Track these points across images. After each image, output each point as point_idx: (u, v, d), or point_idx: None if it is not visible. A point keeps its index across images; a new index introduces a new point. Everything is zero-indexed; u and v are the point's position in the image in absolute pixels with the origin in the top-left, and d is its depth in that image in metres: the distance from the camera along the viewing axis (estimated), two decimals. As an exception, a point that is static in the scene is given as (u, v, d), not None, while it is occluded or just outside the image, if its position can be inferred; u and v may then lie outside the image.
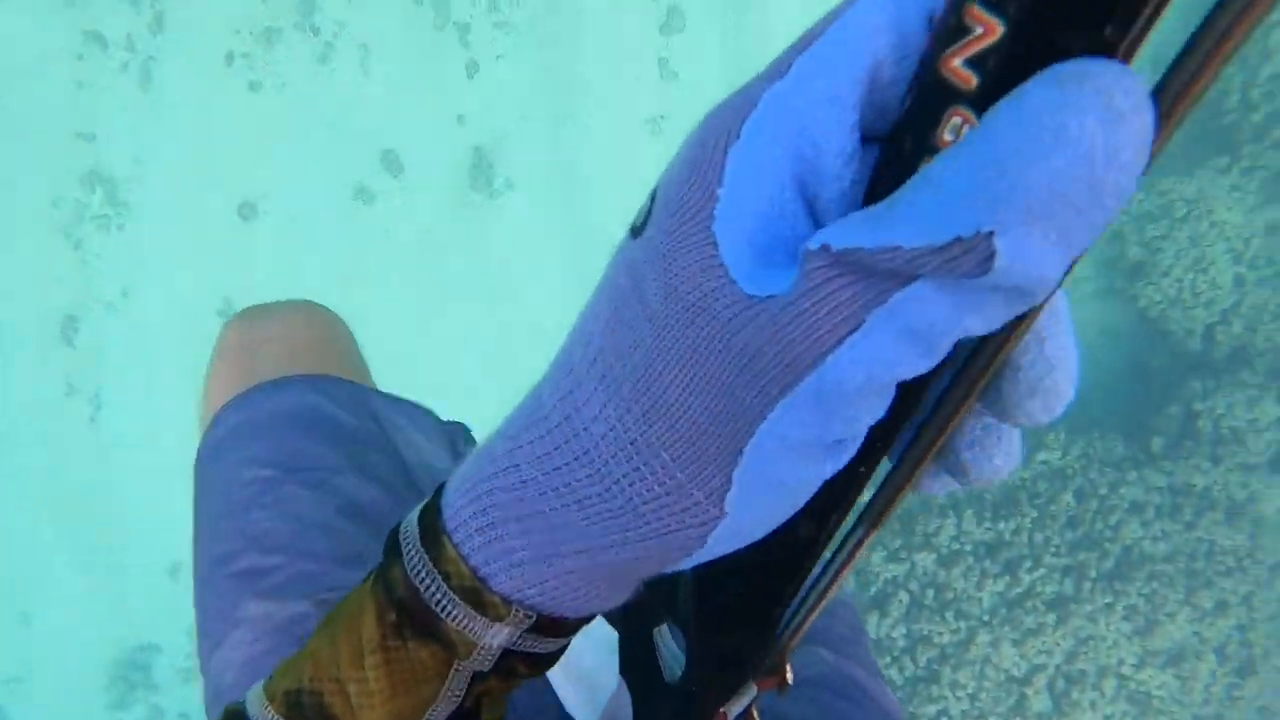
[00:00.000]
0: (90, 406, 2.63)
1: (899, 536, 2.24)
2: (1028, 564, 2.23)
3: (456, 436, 0.87)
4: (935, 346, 0.20)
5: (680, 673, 0.37)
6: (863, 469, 0.25)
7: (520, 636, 0.29)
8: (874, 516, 0.27)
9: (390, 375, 2.61)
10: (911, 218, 0.18)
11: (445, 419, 0.88)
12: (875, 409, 0.22)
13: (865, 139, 0.21)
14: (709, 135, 0.22)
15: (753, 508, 0.24)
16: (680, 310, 0.22)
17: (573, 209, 2.54)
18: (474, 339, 2.60)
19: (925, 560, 2.21)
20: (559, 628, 0.29)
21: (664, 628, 0.39)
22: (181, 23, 2.39)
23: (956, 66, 0.18)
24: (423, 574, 0.28)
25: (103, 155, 2.48)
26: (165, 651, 2.82)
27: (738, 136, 0.21)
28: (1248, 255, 2.50)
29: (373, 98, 2.46)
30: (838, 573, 0.29)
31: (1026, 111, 0.16)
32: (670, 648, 0.38)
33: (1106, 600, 2.25)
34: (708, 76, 2.51)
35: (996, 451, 0.25)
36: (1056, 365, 0.23)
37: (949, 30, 0.18)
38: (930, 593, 2.22)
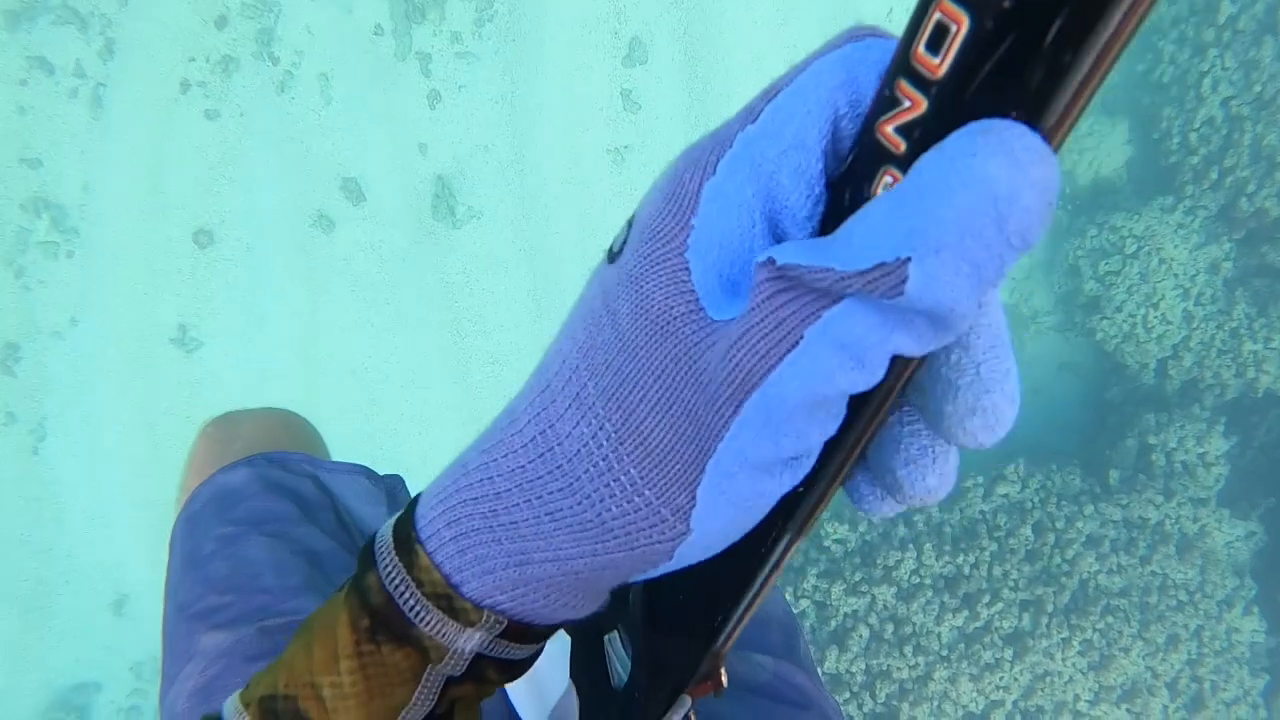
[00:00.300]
0: (33, 437, 2.55)
1: (859, 570, 2.24)
2: (986, 598, 2.24)
3: (396, 487, 0.91)
4: (868, 361, 0.21)
5: (626, 678, 0.38)
6: (801, 488, 0.26)
7: (492, 642, 0.30)
8: (799, 524, 0.28)
9: (350, 404, 2.57)
10: (844, 245, 0.20)
11: (384, 473, 0.92)
12: (824, 424, 0.23)
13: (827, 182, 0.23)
14: (686, 170, 0.24)
15: (716, 522, 0.25)
16: (650, 331, 0.24)
17: (535, 238, 2.53)
18: (434, 368, 2.57)
19: (885, 594, 2.21)
20: (529, 634, 0.30)
21: (614, 635, 0.40)
22: (133, 51, 2.34)
23: (889, 132, 0.21)
24: (397, 580, 0.29)
25: (49, 181, 2.42)
26: (105, 689, 2.73)
27: (713, 173, 0.23)
28: (1194, 291, 2.56)
29: (333, 126, 2.43)
30: (765, 580, 0.30)
31: (943, 158, 0.19)
32: (619, 654, 0.39)
33: (1063, 635, 2.27)
34: (670, 108, 2.52)
35: (930, 471, 0.26)
36: (993, 386, 0.23)
37: (883, 101, 0.21)
38: (890, 627, 2.22)
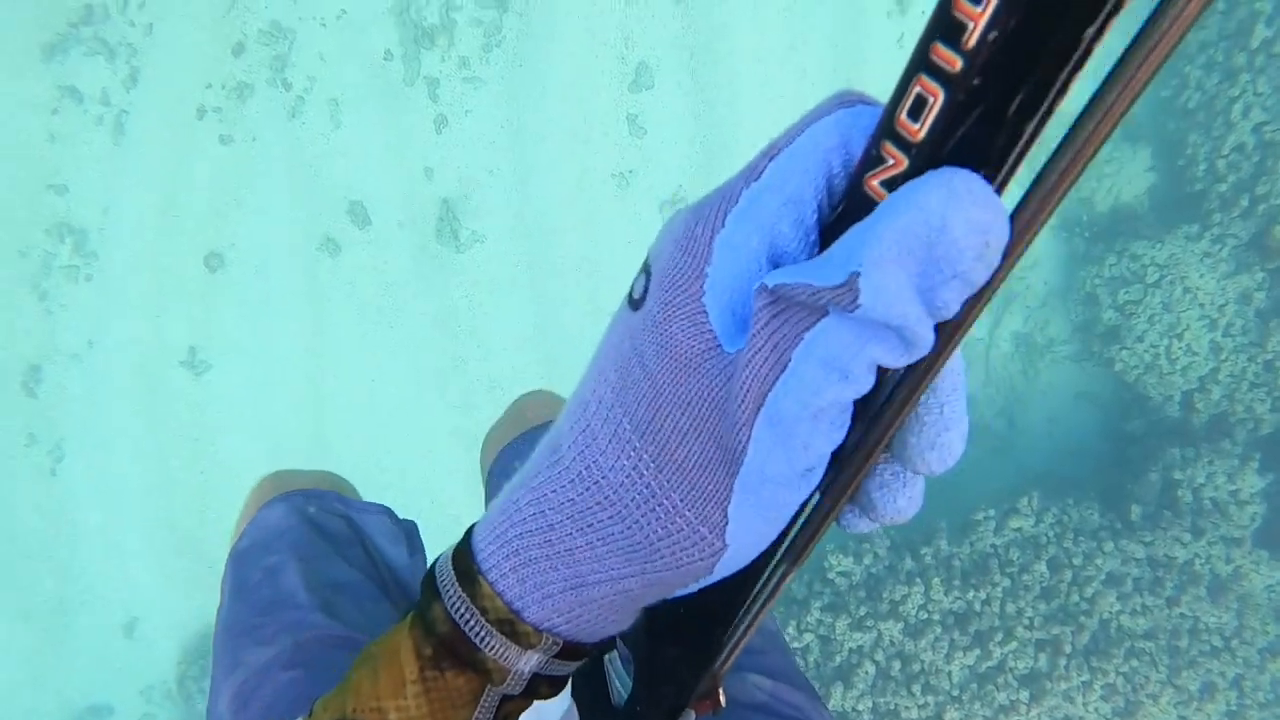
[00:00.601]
0: (51, 459, 2.59)
1: (864, 604, 2.15)
2: (999, 636, 2.13)
3: (412, 532, 1.00)
4: (851, 373, 0.24)
5: (626, 697, 0.41)
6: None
7: (548, 661, 0.33)
8: (796, 553, 0.31)
9: (354, 427, 2.57)
10: (822, 266, 0.24)
11: (401, 517, 1.02)
12: (829, 434, 0.26)
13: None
14: (697, 224, 0.27)
15: (748, 535, 0.28)
16: (675, 369, 0.27)
17: (538, 262, 2.52)
18: (437, 391, 2.56)
19: (892, 630, 2.11)
20: (579, 652, 0.34)
21: (614, 655, 0.43)
22: (156, 78, 2.42)
23: (875, 185, 0.24)
24: (462, 609, 0.32)
25: (73, 207, 2.49)
26: (118, 713, 2.73)
27: (723, 225, 0.27)
28: (1222, 322, 2.45)
29: (342, 151, 2.47)
30: (763, 605, 0.33)
31: (903, 192, 0.22)
32: (619, 673, 0.42)
33: (1084, 678, 2.13)
34: (676, 133, 2.52)
35: (901, 494, 0.29)
36: (953, 425, 0.27)
37: (870, 159, 0.24)
38: (897, 664, 2.11)
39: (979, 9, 0.21)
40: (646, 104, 2.51)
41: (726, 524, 0.28)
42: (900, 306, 0.22)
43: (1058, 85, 0.21)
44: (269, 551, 0.86)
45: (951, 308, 0.23)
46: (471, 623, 0.32)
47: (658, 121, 2.51)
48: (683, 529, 0.28)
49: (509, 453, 0.99)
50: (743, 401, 0.25)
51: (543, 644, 0.32)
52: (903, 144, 0.23)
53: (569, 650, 0.33)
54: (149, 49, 2.41)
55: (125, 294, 2.52)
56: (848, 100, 0.26)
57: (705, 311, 0.27)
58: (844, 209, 0.26)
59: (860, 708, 2.08)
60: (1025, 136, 0.22)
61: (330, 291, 2.51)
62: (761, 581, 0.33)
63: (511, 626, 0.32)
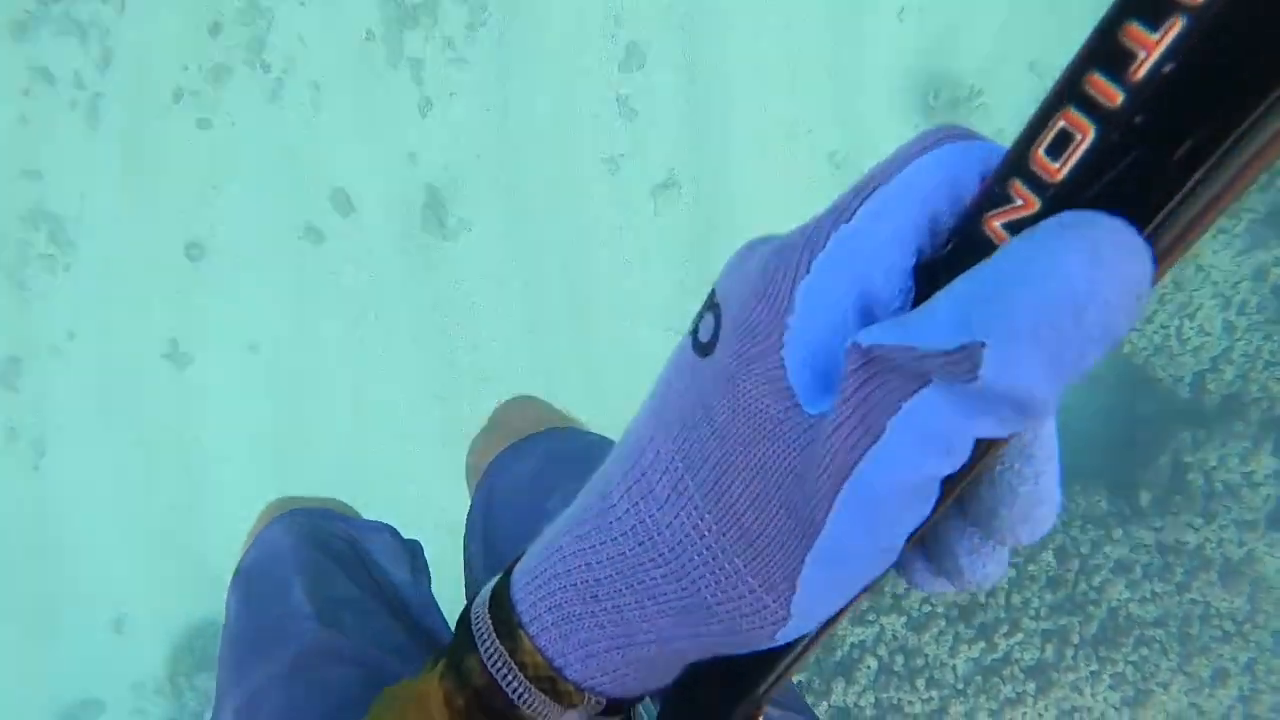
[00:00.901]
0: (33, 453, 2.54)
1: (866, 598, 2.09)
2: (1005, 628, 2.07)
3: (416, 552, 0.98)
4: (953, 448, 0.21)
5: None
6: None
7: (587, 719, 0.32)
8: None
9: (339, 421, 2.51)
10: (927, 323, 0.21)
11: (405, 537, 1.00)
12: (918, 509, 0.23)
13: None
14: (778, 269, 0.24)
15: (816, 607, 0.26)
16: (748, 430, 0.24)
17: (527, 250, 2.45)
18: (425, 384, 2.49)
19: (894, 624, 2.06)
20: (619, 707, 0.32)
21: None
22: (130, 59, 2.35)
23: (996, 227, 0.21)
24: (499, 664, 0.31)
25: (49, 193, 2.42)
26: (109, 708, 2.70)
27: (807, 271, 0.24)
28: (1236, 300, 2.37)
29: (323, 135, 2.40)
30: (817, 636, 0.31)
31: (1032, 245, 0.19)
32: (645, 706, 0.40)
33: (1092, 668, 2.08)
34: (668, 115, 2.44)
35: (990, 560, 0.27)
36: (1047, 497, 0.25)
37: (993, 196, 0.22)
38: (900, 659, 2.06)
39: (1155, 36, 0.18)
40: (637, 84, 2.43)
41: (794, 593, 0.25)
42: (1030, 381, 0.19)
43: (1240, 130, 0.18)
44: (272, 568, 0.86)
45: (1086, 370, 0.20)
46: (509, 679, 0.31)
47: (649, 103, 2.43)
48: (744, 595, 0.26)
49: (498, 465, 0.95)
50: (826, 472, 0.23)
51: (586, 703, 0.31)
52: (1037, 184, 0.20)
53: (611, 707, 0.32)
54: (122, 29, 2.34)
55: (105, 284, 2.47)
56: (955, 134, 0.23)
57: (783, 367, 0.24)
58: (952, 249, 0.23)
59: (863, 703, 2.03)
60: (1186, 189, 0.19)
61: (314, 281, 2.45)
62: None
63: (552, 684, 0.30)
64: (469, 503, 1.01)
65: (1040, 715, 2.07)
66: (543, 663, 0.30)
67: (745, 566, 0.25)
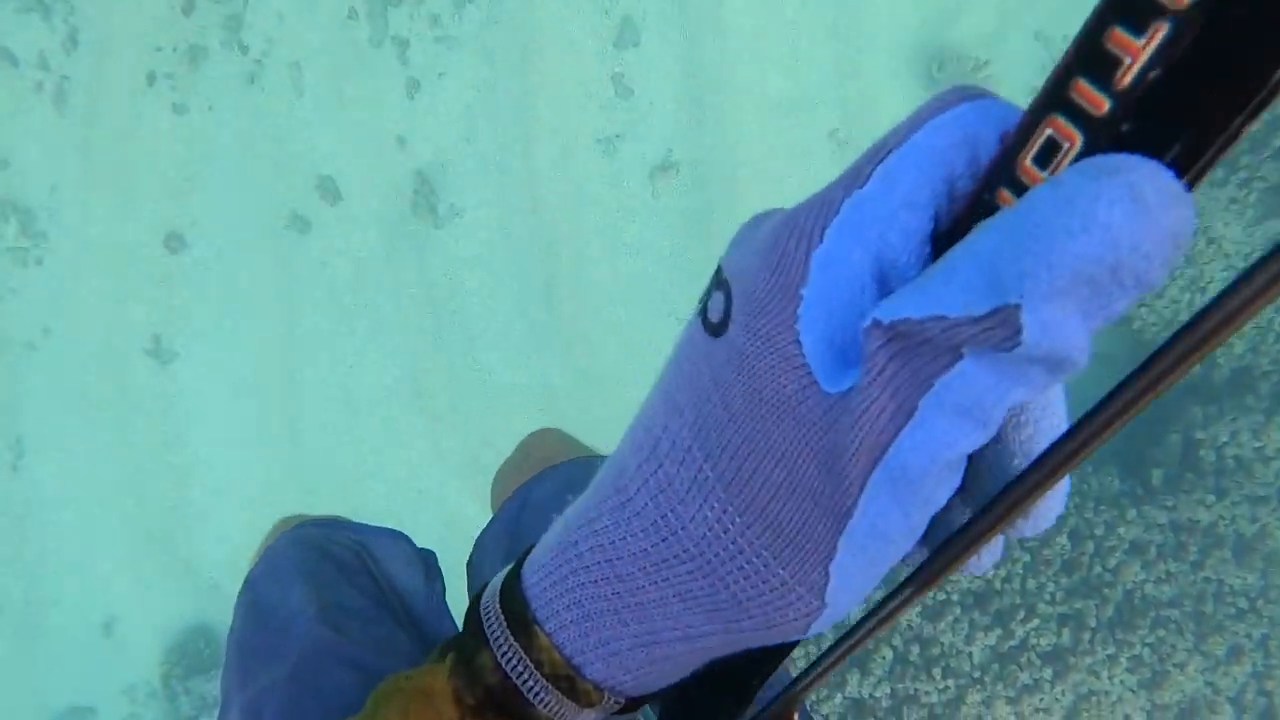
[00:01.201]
0: (11, 453, 2.45)
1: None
2: (1020, 614, 2.04)
3: (429, 560, 0.96)
4: (989, 420, 0.21)
5: None
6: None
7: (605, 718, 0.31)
8: (923, 580, 0.26)
9: (330, 416, 2.43)
10: (951, 287, 0.19)
11: (420, 546, 1.00)
12: (950, 484, 0.22)
13: None
14: (789, 238, 0.23)
15: (849, 594, 0.25)
16: (765, 414, 0.23)
17: (522, 236, 2.37)
18: (417, 377, 2.42)
19: (909, 613, 2.02)
20: (637, 705, 0.31)
21: None
22: (98, 39, 2.23)
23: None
24: (514, 662, 0.30)
25: (16, 183, 2.32)
26: (102, 714, 2.63)
27: (820, 240, 0.22)
28: (1246, 273, 2.33)
29: (306, 120, 2.30)
30: (871, 630, 0.28)
31: (1062, 194, 0.18)
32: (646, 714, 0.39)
33: (1109, 651, 2.05)
34: (664, 93, 2.36)
35: (986, 551, 0.26)
36: (1055, 491, 0.23)
37: (981, 204, 0.21)
38: (915, 648, 2.02)
39: (1140, 41, 0.17)
40: (632, 62, 2.35)
41: (827, 582, 0.24)
42: (1069, 340, 0.18)
43: (1227, 134, 0.17)
44: (276, 576, 0.87)
45: (1115, 319, 0.19)
46: (525, 677, 0.29)
47: (645, 81, 2.35)
48: (776, 588, 0.25)
49: (527, 488, 0.93)
50: (855, 455, 0.22)
51: (603, 702, 0.29)
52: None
53: (629, 705, 0.31)
54: (87, 6, 2.22)
55: (80, 278, 2.37)
56: (972, 94, 0.22)
57: (798, 343, 0.22)
58: (971, 214, 0.21)
59: (878, 694, 1.99)
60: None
61: (300, 272, 2.36)
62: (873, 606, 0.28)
63: (570, 683, 0.29)
64: (488, 521, 0.99)
65: (1057, 700, 2.04)
66: (560, 661, 0.29)
67: (775, 559, 0.24)
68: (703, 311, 0.26)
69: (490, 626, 0.30)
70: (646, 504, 0.26)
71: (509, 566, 0.32)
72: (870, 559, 0.24)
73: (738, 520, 0.24)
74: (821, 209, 0.23)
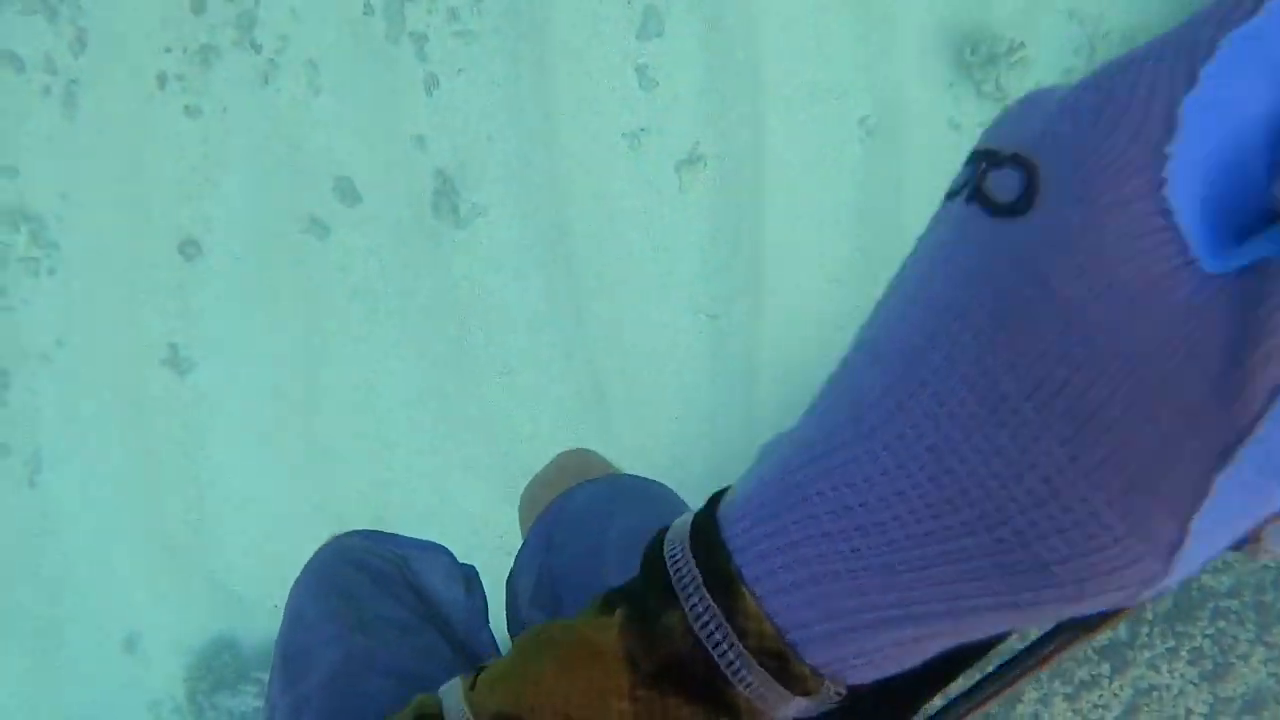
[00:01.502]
0: (28, 468, 2.41)
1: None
2: (1076, 609, 1.99)
3: (471, 575, 0.93)
4: None
5: None
6: None
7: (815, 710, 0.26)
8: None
9: (353, 423, 2.38)
10: None
11: (461, 561, 0.98)
12: None
13: None
14: (1137, 87, 0.19)
15: (1203, 556, 0.20)
16: (1117, 301, 0.18)
17: (548, 235, 2.32)
18: (442, 380, 2.36)
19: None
20: (856, 698, 0.26)
21: None
22: (106, 41, 2.18)
23: None
24: (712, 628, 0.24)
25: (26, 191, 2.26)
26: (123, 734, 2.60)
27: (1194, 84, 0.18)
28: None
29: (323, 120, 2.25)
30: (1035, 667, 0.25)
31: None
32: None
33: (1168, 644, 2.01)
34: (689, 84, 2.30)
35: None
36: None
37: None
38: (968, 646, 1.97)
39: None
40: (656, 53, 2.29)
41: (1183, 541, 0.18)
42: None
43: None
44: (319, 584, 0.87)
45: None
46: (725, 649, 0.24)
47: (669, 72, 2.29)
48: (1105, 545, 0.19)
49: (559, 502, 0.91)
50: (1264, 359, 0.16)
51: (820, 692, 0.24)
52: None
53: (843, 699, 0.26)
54: (95, 7, 2.17)
55: (94, 288, 2.32)
56: None
57: (1168, 210, 0.17)
58: None
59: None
60: None
61: (320, 277, 2.30)
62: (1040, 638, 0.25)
63: (782, 664, 0.24)
64: (523, 539, 0.98)
65: (1116, 695, 1.99)
66: (772, 633, 0.24)
67: (1109, 505, 0.19)
68: (974, 195, 0.21)
69: (680, 578, 0.25)
70: (906, 432, 0.21)
71: (703, 505, 0.26)
72: (1249, 503, 0.18)
73: (1056, 450, 0.19)
74: (1182, 51, 0.19)
